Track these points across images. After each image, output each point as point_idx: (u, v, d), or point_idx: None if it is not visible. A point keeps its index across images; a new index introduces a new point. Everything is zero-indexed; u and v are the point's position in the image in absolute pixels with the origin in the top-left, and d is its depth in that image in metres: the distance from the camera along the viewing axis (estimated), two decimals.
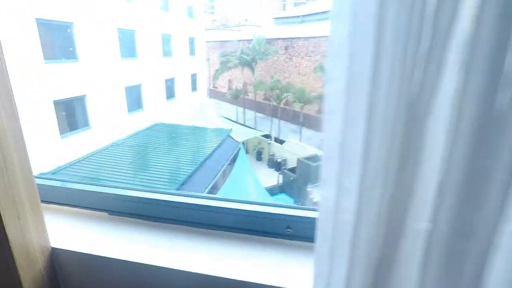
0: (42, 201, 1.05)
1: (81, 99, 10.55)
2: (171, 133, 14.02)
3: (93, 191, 1.35)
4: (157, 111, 16.07)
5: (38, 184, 1.02)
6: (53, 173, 8.85)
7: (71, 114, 10.31)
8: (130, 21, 13.15)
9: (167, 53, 17.13)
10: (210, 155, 11.72)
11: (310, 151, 16.23)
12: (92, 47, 10.83)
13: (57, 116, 9.30)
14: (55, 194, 1.37)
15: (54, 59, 9.46)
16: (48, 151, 9.13)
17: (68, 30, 9.89)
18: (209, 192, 9.84)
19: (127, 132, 13.28)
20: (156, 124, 15.31)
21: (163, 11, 16.25)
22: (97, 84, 11.21)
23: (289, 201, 15.25)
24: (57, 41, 9.76)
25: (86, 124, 10.91)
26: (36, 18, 8.50)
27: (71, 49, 10.07)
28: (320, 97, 18.36)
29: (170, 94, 17.98)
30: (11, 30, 7.81)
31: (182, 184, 8.96)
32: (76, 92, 10.19)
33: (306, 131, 19.51)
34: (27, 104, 8.38)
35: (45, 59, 8.87)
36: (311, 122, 20.17)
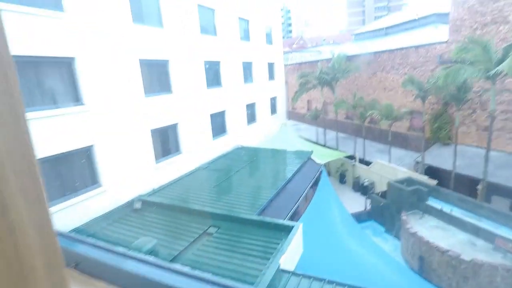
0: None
1: (173, 128, 11.66)
2: (252, 156, 14.28)
3: None
4: (239, 135, 16.72)
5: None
6: (150, 194, 9.85)
7: (165, 141, 11.45)
8: (215, 54, 14.26)
9: (248, 79, 17.94)
10: (291, 178, 11.40)
11: (402, 173, 14.41)
12: (183, 80, 12.01)
13: (153, 143, 10.42)
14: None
15: (152, 93, 10.76)
16: (145, 175, 10.21)
17: (164, 67, 11.22)
18: (291, 217, 9.42)
19: (212, 155, 14.10)
20: (238, 148, 15.89)
21: (245, 40, 17.21)
22: (187, 113, 12.29)
23: (380, 229, 13.63)
24: (155, 76, 11.12)
25: (177, 149, 11.95)
26: (140, 59, 9.88)
27: (166, 83, 11.36)
28: (411, 113, 16.42)
29: (252, 118, 18.57)
30: (118, 70, 9.21)
31: (263, 210, 8.79)
32: (169, 121, 11.33)
33: (396, 151, 17.55)
34: (131, 132, 9.63)
35: (145, 93, 10.16)
36: (401, 141, 18.10)
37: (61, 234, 1.86)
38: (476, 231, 10.28)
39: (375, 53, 19.68)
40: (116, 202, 9.03)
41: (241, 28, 16.95)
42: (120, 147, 9.27)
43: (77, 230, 7.77)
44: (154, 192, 10.17)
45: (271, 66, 21.16)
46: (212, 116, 14.13)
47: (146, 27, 10.23)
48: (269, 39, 20.68)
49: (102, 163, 8.70)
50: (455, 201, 11.74)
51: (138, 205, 9.02)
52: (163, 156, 11.26)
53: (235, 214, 8.09)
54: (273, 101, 21.63)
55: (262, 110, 19.73)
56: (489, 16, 12.72)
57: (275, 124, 21.72)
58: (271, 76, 21.35)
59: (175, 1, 11.50)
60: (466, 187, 13.16)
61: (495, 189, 12.19)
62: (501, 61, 9.68)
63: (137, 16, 9.90)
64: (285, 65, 29.42)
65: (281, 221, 7.56)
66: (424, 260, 10.16)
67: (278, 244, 6.68)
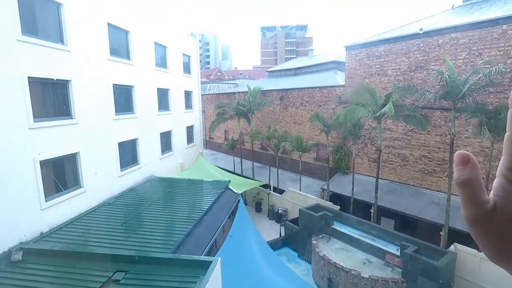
0: None
1: (71, 158, 10.09)
2: (167, 188, 13.48)
3: None
4: (153, 165, 15.68)
5: None
6: (36, 240, 8.10)
7: (59, 173, 9.73)
8: (127, 78, 13.40)
9: (164, 106, 17.33)
10: (209, 210, 11.11)
11: (311, 200, 15.66)
12: (86, 103, 10.78)
13: (42, 177, 8.69)
14: None
15: (44, 117, 9.30)
16: (29, 216, 8.45)
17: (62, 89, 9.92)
18: (208, 251, 9.06)
19: (121, 188, 12.73)
20: (151, 179, 14.84)
21: (162, 67, 16.79)
22: (90, 140, 10.92)
23: (293, 255, 14.26)
24: (50, 98, 9.70)
25: (76, 183, 10.34)
26: (28, 77, 8.53)
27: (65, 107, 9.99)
28: (317, 145, 18.30)
29: (167, 147, 17.78)
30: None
31: (179, 246, 8.23)
32: (66, 150, 9.75)
33: (305, 179, 19.09)
34: (13, 165, 7.97)
35: (34, 118, 8.71)
36: (309, 170, 19.85)
37: None
38: (371, 250, 11.70)
39: (287, 89, 21.66)
40: None
41: (158, 54, 16.56)
42: None
43: None
44: (42, 237, 8.38)
45: (188, 94, 21.04)
46: (121, 144, 12.90)
47: (46, 42, 9.01)
48: (186, 67, 20.71)
49: None
50: (354, 224, 13.25)
51: (17, 256, 7.11)
52: (56, 192, 9.53)
53: (145, 254, 7.34)
54: (190, 130, 21.32)
55: (178, 139, 19.16)
56: (374, 68, 15.61)
57: (192, 153, 21.28)
58: (188, 105, 21.17)
59: (81, 19, 10.54)
60: (362, 210, 15.06)
61: (383, 211, 14.28)
62: (383, 105, 11.82)
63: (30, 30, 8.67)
64: (203, 95, 29.67)
65: (198, 257, 7.20)
66: (332, 281, 10.95)
67: (196, 282, 6.28)
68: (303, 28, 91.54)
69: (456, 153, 0.52)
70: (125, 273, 6.70)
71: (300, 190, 17.43)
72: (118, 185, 12.64)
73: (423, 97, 11.65)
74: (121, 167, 12.85)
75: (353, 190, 14.90)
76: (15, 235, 7.85)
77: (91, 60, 11.09)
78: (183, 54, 19.93)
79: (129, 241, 8.37)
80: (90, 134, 10.99)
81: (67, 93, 10.09)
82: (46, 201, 8.89)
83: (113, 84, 12.36)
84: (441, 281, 9.16)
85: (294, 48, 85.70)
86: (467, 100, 10.77)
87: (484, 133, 9.90)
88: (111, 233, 8.87)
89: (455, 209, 11.81)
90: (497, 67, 9.89)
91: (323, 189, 17.19)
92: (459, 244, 10.33)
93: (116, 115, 12.60)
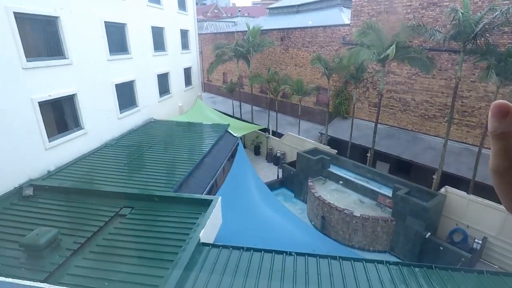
0: None
1: (69, 99, 9.97)
2: (167, 130, 13.57)
3: None
4: (152, 107, 15.54)
5: None
6: (44, 178, 8.42)
7: (59, 115, 9.70)
8: (119, 14, 12.52)
9: (159, 47, 16.51)
10: (208, 152, 11.33)
11: (309, 144, 15.91)
12: (79, 42, 10.24)
13: (43, 118, 8.70)
14: None
15: (39, 57, 8.89)
16: (35, 156, 8.63)
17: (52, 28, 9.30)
18: (209, 191, 9.48)
19: (121, 130, 12.82)
20: (150, 121, 14.84)
21: (155, 3, 15.57)
22: (86, 82, 10.63)
23: (290, 195, 15.00)
24: (41, 37, 9.15)
25: (76, 125, 10.36)
26: (14, 12, 7.92)
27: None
28: (318, 89, 17.94)
29: (165, 89, 17.41)
30: None
31: (180, 185, 8.58)
32: (64, 91, 9.58)
33: (304, 123, 19.14)
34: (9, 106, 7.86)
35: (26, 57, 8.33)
36: (309, 115, 19.78)
37: None
38: (364, 192, 12.27)
39: (288, 29, 20.44)
40: None
41: None
42: None
43: None
44: (50, 175, 8.73)
45: (184, 34, 19.90)
46: (118, 86, 12.60)
47: None
48: (181, 3, 19.23)
49: None
50: (350, 167, 13.67)
51: (28, 192, 7.55)
52: (58, 133, 9.62)
53: (149, 192, 7.67)
54: (188, 71, 20.65)
55: (176, 81, 18.68)
56: (383, 5, 14.49)
57: (190, 96, 20.95)
58: (185, 45, 20.16)
59: None
60: (359, 154, 15.40)
61: (379, 156, 14.63)
62: (389, 46, 11.25)
63: None
64: (200, 34, 28.10)
65: (199, 196, 7.54)
66: (325, 219, 11.70)
67: (197, 218, 6.67)
68: None
69: (493, 103, 0.46)
70: (131, 208, 7.10)
71: (299, 134, 17.60)
72: (119, 127, 12.70)
73: (432, 37, 11.03)
74: (120, 109, 12.75)
75: (351, 134, 15.04)
76: (24, 173, 8.15)
77: None
78: None
79: (133, 180, 8.70)
80: (86, 75, 10.66)
81: (58, 32, 9.49)
82: (49, 141, 9.04)
83: (104, 22, 11.58)
84: (428, 221, 9.79)
85: None
86: (478, 41, 10.21)
87: (491, 77, 9.60)
88: (115, 172, 9.18)
89: (450, 154, 12.08)
90: None
91: (321, 134, 17.35)
92: (450, 187, 10.79)
93: (110, 55, 12.06)
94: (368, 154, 14.09)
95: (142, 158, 10.44)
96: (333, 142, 16.50)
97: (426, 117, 14.07)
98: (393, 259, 10.39)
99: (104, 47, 11.71)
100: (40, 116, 8.70)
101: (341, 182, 13.03)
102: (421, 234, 9.90)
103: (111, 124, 12.21)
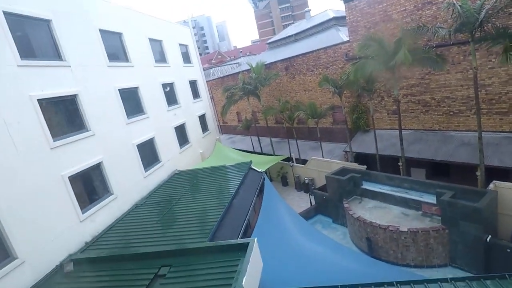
0: None
1: (96, 168, 10.39)
2: (192, 179, 13.68)
3: None
4: (174, 159, 15.91)
5: None
6: (82, 250, 8.54)
7: (88, 185, 10.04)
8: (131, 80, 13.38)
9: (172, 100, 17.29)
10: (236, 193, 11.20)
11: (336, 164, 15.46)
12: (98, 113, 10.91)
13: (74, 191, 9.02)
14: None
15: (63, 135, 9.50)
16: (71, 229, 8.85)
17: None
18: (244, 233, 9.21)
19: (148, 188, 13.07)
20: (175, 173, 15.09)
21: (162, 62, 16.61)
22: (110, 148, 11.14)
23: (327, 221, 14.32)
24: (65, 114, 9.86)
25: (106, 191, 10.69)
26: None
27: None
28: (332, 108, 17.81)
29: (184, 140, 17.90)
30: None
31: (214, 233, 8.40)
32: (90, 161, 10.04)
33: (326, 145, 18.80)
34: (44, 184, 8.27)
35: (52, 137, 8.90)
36: (328, 135, 19.49)
37: None
38: (406, 203, 11.51)
39: (290, 58, 20.96)
40: (40, 272, 7.54)
41: (155, 49, 16.30)
42: (30, 205, 7.80)
43: None
44: (87, 246, 8.83)
45: (193, 84, 20.84)
46: (139, 146, 13.09)
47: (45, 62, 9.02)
48: (186, 57, 20.38)
49: (12, 228, 7.22)
50: (384, 180, 13.01)
51: (69, 267, 7.55)
52: (90, 203, 9.89)
53: (185, 246, 7.53)
54: (203, 118, 21.29)
55: (193, 130, 19.22)
56: (377, 16, 14.67)
57: (209, 141, 21.37)
58: (196, 94, 21.02)
59: (73, 30, 10.42)
60: (389, 165, 14.73)
61: (411, 162, 13.90)
62: (394, 53, 11.14)
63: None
64: (208, 81, 29.37)
65: (235, 241, 7.28)
66: (370, 240, 10.94)
67: (237, 265, 6.39)
68: None
69: None
70: (169, 267, 6.93)
71: (323, 157, 17.22)
72: (146, 185, 12.96)
73: (436, 35, 10.85)
74: (144, 168, 13.11)
75: (376, 146, 14.52)
76: (63, 248, 8.29)
77: (92, 70, 11.07)
78: (180, 44, 19.56)
79: (167, 236, 8.62)
80: (108, 142, 11.18)
81: (78, 107, 10.18)
82: (83, 213, 9.25)
83: (118, 89, 12.37)
84: (484, 223, 8.90)
85: (290, 13, 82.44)
86: (485, 27, 9.91)
87: (511, 59, 9.14)
88: (149, 231, 9.17)
89: (488, 146, 11.29)
90: None
91: (346, 152, 16.90)
92: (499, 181, 9.91)
93: (128, 118, 12.71)
94: (400, 163, 13.44)
95: (172, 212, 10.44)
96: (359, 158, 15.96)
97: (451, 113, 13.44)
98: (457, 272, 9.39)
99: (122, 112, 12.37)
100: (71, 190, 9.01)
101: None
102: (480, 239, 8.97)
103: (138, 184, 12.49)
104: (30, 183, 7.81)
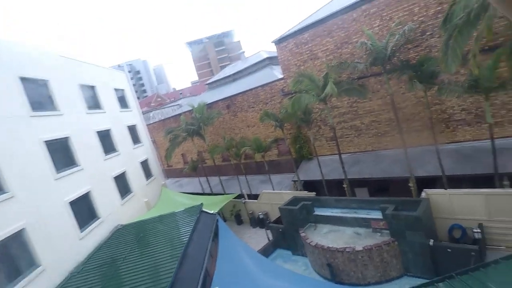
0: None
1: (17, 236, 8.79)
2: (138, 233, 12.51)
3: None
4: (116, 213, 14.50)
5: None
6: None
7: (7, 259, 8.37)
8: (59, 130, 12.23)
9: (109, 149, 16.17)
10: (190, 240, 10.51)
11: (287, 195, 15.71)
12: (19, 171, 9.58)
13: None
14: None
15: None
16: None
17: None
18: (203, 284, 8.52)
19: (87, 251, 11.52)
20: (118, 228, 13.70)
21: (95, 109, 15.65)
22: (34, 210, 9.68)
23: (287, 254, 14.12)
24: None
25: (32, 264, 9.04)
26: None
27: None
28: (276, 141, 18.48)
29: (125, 189, 16.61)
30: None
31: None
32: (9, 229, 8.49)
33: (274, 177, 19.15)
34: None
35: None
36: (276, 167, 19.97)
37: None
38: (356, 222, 12.03)
39: (231, 96, 21.60)
40: None
41: (87, 96, 15.40)
42: None
43: None
44: None
45: (132, 129, 19.96)
46: (72, 203, 11.69)
47: None
48: (123, 102, 19.64)
49: None
50: (334, 204, 13.55)
51: None
52: (8, 284, 8.20)
53: None
54: (145, 164, 20.23)
55: (135, 177, 18.04)
56: (305, 55, 16.22)
57: (154, 187, 20.19)
58: (136, 139, 20.09)
59: None
60: (336, 188, 15.49)
61: (354, 183, 14.82)
62: (324, 86, 12.27)
63: None
64: (149, 125, 28.43)
65: None
66: (331, 266, 11.01)
67: None
68: (229, 34, 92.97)
69: None
70: None
71: (273, 189, 17.42)
72: (83, 248, 11.41)
73: (356, 68, 12.35)
74: (80, 228, 11.63)
75: (321, 172, 15.25)
76: None
77: (10, 121, 9.88)
78: (115, 89, 18.86)
79: None
80: (32, 203, 9.74)
81: None
82: None
83: (44, 141, 11.17)
84: (425, 229, 9.69)
85: (226, 55, 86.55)
86: (393, 61, 11.63)
87: (416, 85, 10.75)
88: None
89: (414, 159, 12.64)
90: (407, 26, 10.97)
91: (294, 181, 17.37)
92: (428, 189, 11.06)
93: (57, 173, 11.40)
94: (344, 185, 14.22)
95: (118, 275, 9.25)
96: (307, 185, 16.52)
97: (380, 134, 14.95)
98: (413, 281, 9.86)
99: (49, 166, 11.07)
100: None
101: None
102: (425, 245, 9.68)
103: (72, 249, 10.91)
104: None
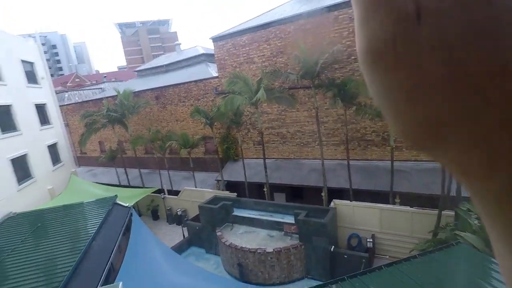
0: None
1: None
2: (35, 223, 10.97)
3: None
4: (9, 200, 12.46)
5: None
6: None
7: None
8: None
9: (8, 127, 13.86)
10: (97, 233, 9.65)
11: (208, 194, 15.72)
12: None
13: None
14: None
15: None
16: None
17: None
18: (106, 279, 7.92)
19: None
20: (9, 217, 11.78)
21: None
22: None
23: (201, 252, 14.10)
24: None
25: None
26: None
27: None
28: (204, 139, 18.34)
29: (25, 174, 14.41)
30: None
31: (66, 285, 6.89)
32: None
33: (198, 175, 18.94)
34: None
35: None
36: (201, 165, 19.79)
37: None
38: (271, 225, 12.71)
39: (162, 87, 20.66)
40: None
41: None
42: None
43: None
44: None
45: (41, 108, 17.48)
46: None
47: None
48: (31, 77, 17.06)
49: None
50: (253, 206, 14.07)
51: None
52: None
53: None
54: (54, 148, 17.90)
55: (39, 162, 15.83)
56: (242, 57, 16.55)
57: (62, 175, 17.98)
58: (45, 119, 17.64)
59: None
60: (257, 191, 16.11)
61: (274, 188, 15.66)
62: (257, 91, 12.73)
63: None
64: (62, 106, 25.24)
65: None
66: (242, 265, 11.39)
67: None
68: (165, 23, 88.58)
69: None
70: None
71: (196, 187, 17.22)
72: None
73: (288, 78, 13.15)
74: None
75: (245, 175, 15.70)
76: None
77: None
78: (23, 61, 16.28)
79: None
80: None
81: None
82: None
83: None
84: (329, 236, 10.78)
85: (160, 44, 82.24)
86: (321, 77, 12.74)
87: (338, 103, 11.97)
88: None
89: (328, 171, 13.98)
90: (336, 46, 12.09)
91: (217, 181, 17.47)
92: (337, 200, 12.36)
93: None
94: (265, 189, 14.90)
95: (2, 269, 7.97)
96: (230, 186, 16.80)
97: (302, 144, 16.13)
98: (312, 282, 10.82)
99: None
100: None
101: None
102: (327, 250, 10.76)
103: None
104: None
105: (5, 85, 14.16)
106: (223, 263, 12.65)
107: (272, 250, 10.95)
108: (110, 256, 8.81)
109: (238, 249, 11.40)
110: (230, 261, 11.89)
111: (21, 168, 14.26)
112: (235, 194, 15.15)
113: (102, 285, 7.40)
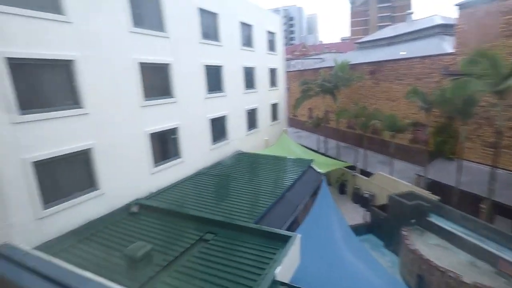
0: None
1: (172, 131, 11.51)
2: (252, 163, 14.01)
3: None
4: (240, 140, 16.48)
5: None
6: (147, 198, 9.67)
7: (163, 145, 11.28)
8: (217, 59, 14.11)
9: (250, 84, 17.75)
10: (291, 187, 11.12)
11: (403, 186, 14.11)
12: (183, 84, 11.86)
13: (152, 147, 10.30)
14: None
15: (152, 97, 10.60)
16: (143, 178, 10.06)
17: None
18: (289, 227, 9.12)
19: (212, 160, 13.90)
20: (238, 153, 15.62)
21: (247, 46, 17.07)
22: (187, 117, 12.17)
23: (378, 243, 13.31)
24: (155, 80, 10.94)
25: (176, 154, 11.81)
26: (140, 62, 9.74)
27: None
28: (414, 125, 16.19)
29: (252, 124, 18.34)
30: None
31: (261, 218, 8.51)
32: (169, 125, 11.30)
33: (397, 163, 17.28)
34: (129, 136, 9.46)
35: (145, 97, 10.02)
36: (403, 153, 17.84)
37: None
38: (478, 252, 9.93)
39: (379, 62, 19.55)
40: (113, 205, 8.92)
41: (244, 33, 16.80)
42: (118, 150, 9.11)
43: (73, 232, 7.71)
44: (152, 195, 9.98)
45: (273, 72, 21.01)
46: (212, 120, 13.96)
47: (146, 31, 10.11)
48: (271, 45, 20.56)
49: (100, 166, 8.52)
50: (458, 219, 11.42)
51: (135, 209, 8.89)
52: (162, 160, 11.05)
53: (232, 221, 7.82)
54: (275, 107, 21.45)
55: (263, 116, 19.53)
56: (497, 29, 12.53)
57: (276, 130, 21.50)
58: (273, 82, 21.20)
59: (176, 5, 11.38)
60: (469, 204, 12.83)
61: (499, 209, 11.89)
62: (509, 76, 9.47)
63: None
64: (288, 72, 29.29)
65: (279, 231, 7.28)
66: (423, 279, 9.82)
67: (275, 254, 6.40)
68: None
69: None
70: (214, 235, 7.33)
71: (391, 175, 15.90)
72: (210, 157, 13.90)
73: None
74: (212, 141, 14.00)
75: (459, 179, 12.76)
76: (133, 193, 9.63)
77: (186, 44, 12.04)
78: (268, 32, 19.78)
79: (219, 207, 9.14)
80: (186, 111, 12.24)
81: (167, 76, 11.28)
82: (154, 167, 10.56)
83: (204, 65, 13.23)
84: None
85: (389, 14, 76.12)
86: None
87: None
88: (204, 198, 9.91)
89: None
90: None
91: (419, 175, 15.28)
92: None
93: (208, 94, 13.55)
94: (483, 206, 11.62)
95: (228, 187, 10.96)
96: (434, 186, 14.23)
97: None
98: None
99: (204, 87, 13.29)
100: (150, 145, 10.32)
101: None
102: None
103: (204, 155, 13.45)
104: (122, 133, 9.24)
105: (254, 51, 17.93)
106: (400, 266, 11.43)
107: (470, 283, 8.64)
108: (296, 210, 10.02)
109: (423, 259, 9.84)
110: (409, 267, 10.54)
111: (251, 118, 18.19)
112: (438, 197, 12.78)
113: (285, 230, 8.58)
